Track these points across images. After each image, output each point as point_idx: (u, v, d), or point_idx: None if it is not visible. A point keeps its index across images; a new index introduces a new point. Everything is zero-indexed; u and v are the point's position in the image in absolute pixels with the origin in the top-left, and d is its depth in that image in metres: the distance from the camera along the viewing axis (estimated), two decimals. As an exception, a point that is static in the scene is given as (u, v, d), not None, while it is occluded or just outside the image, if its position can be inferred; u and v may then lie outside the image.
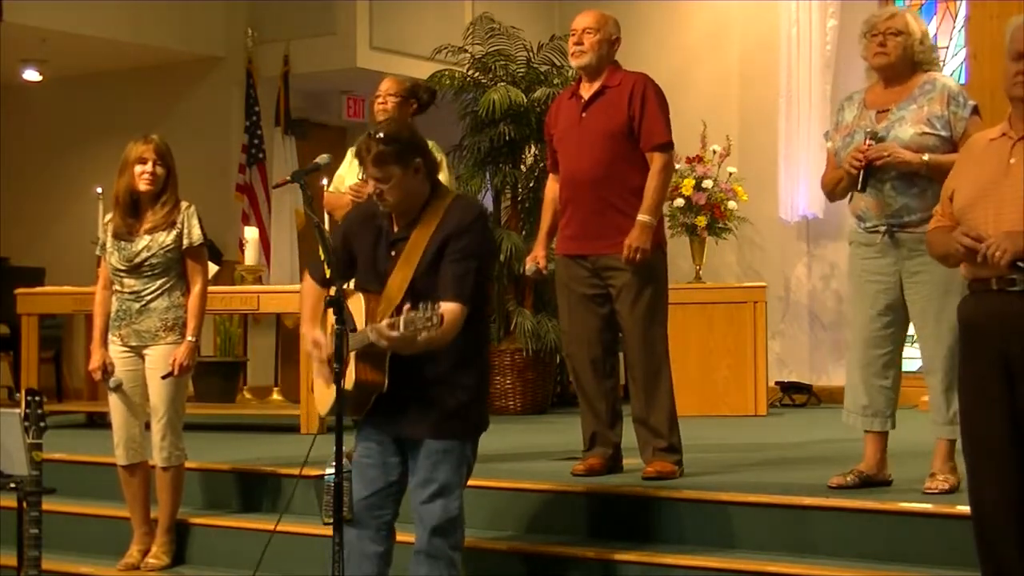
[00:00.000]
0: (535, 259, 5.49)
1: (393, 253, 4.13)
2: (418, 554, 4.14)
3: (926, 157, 4.62)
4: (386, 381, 4.00)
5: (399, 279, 4.06)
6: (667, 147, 5.28)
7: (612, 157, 5.24)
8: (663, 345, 5.31)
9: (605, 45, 5.35)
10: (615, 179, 5.24)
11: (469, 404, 4.19)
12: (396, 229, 4.18)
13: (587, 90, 5.36)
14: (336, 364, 3.86)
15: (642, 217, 5.19)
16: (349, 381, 4.02)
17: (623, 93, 5.29)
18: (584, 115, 5.32)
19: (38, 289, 8.54)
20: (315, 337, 4.16)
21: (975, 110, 4.67)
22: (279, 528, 4.84)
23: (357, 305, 4.07)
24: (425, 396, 4.09)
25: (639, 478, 5.18)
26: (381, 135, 4.08)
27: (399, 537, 4.31)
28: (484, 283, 4.18)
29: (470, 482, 5.06)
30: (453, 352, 4.07)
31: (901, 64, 4.78)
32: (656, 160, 5.25)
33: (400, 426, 4.13)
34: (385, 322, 3.86)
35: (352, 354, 4.00)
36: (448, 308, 3.92)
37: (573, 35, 5.37)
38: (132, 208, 5.23)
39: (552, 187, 5.55)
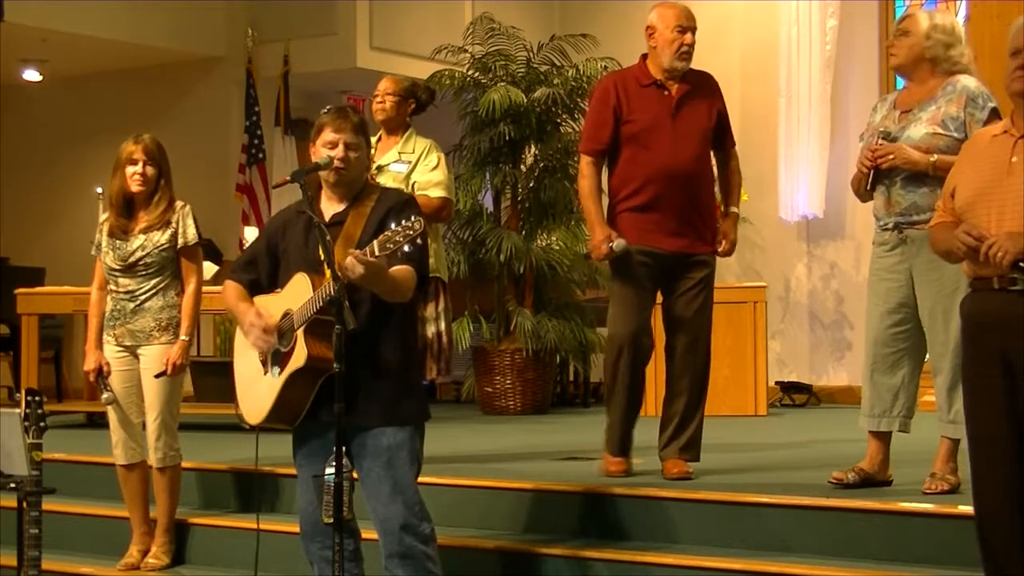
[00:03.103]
0: (609, 237, 5.19)
1: (328, 238, 4.10)
2: (391, 558, 4.08)
3: (934, 158, 4.61)
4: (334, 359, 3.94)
5: (340, 258, 3.99)
6: None
7: (704, 154, 5.31)
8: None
9: None
10: (705, 176, 5.32)
11: (415, 391, 4.20)
12: (328, 217, 4.18)
13: (671, 85, 5.27)
14: (337, 364, 3.85)
15: (735, 209, 5.44)
16: (300, 358, 3.98)
17: (708, 92, 5.34)
18: (678, 112, 5.25)
19: (38, 289, 8.55)
20: (255, 309, 4.14)
21: (994, 112, 4.62)
22: (280, 528, 4.84)
23: (302, 284, 4.04)
24: (374, 382, 4.06)
25: (640, 479, 5.19)
26: (353, 107, 4.30)
27: (373, 535, 4.29)
28: (426, 256, 4.20)
29: (469, 482, 5.09)
30: (396, 337, 4.09)
31: (912, 64, 4.80)
32: (736, 157, 5.50)
33: (349, 416, 4.01)
34: (355, 252, 3.83)
35: (300, 331, 3.97)
36: (403, 267, 3.97)
37: (682, 32, 5.23)
38: (126, 208, 5.22)
39: (596, 173, 5.36)
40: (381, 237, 3.80)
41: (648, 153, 5.23)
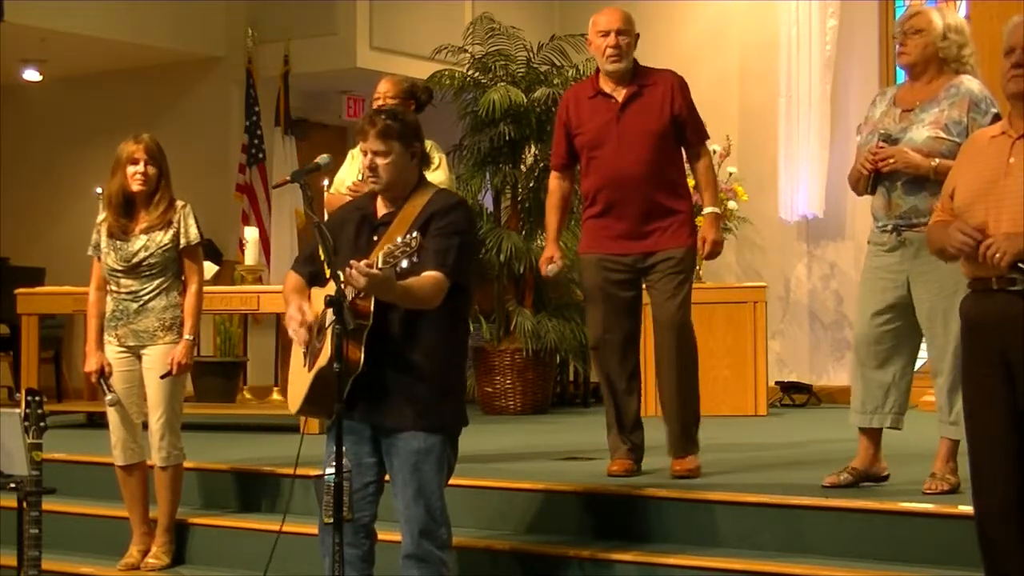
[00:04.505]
0: (551, 259, 5.43)
1: (376, 238, 4.14)
2: (408, 558, 4.12)
3: (935, 162, 4.60)
4: (362, 357, 3.97)
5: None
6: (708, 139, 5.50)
7: (656, 156, 5.26)
8: (695, 339, 5.36)
9: (635, 45, 5.36)
10: (660, 178, 5.27)
11: (451, 398, 4.20)
12: (379, 216, 4.20)
13: (617, 90, 5.31)
14: (337, 364, 3.85)
15: (713, 209, 5.39)
16: (325, 356, 3.99)
17: (662, 92, 5.31)
18: (622, 116, 5.27)
19: (38, 289, 8.54)
20: (299, 303, 4.16)
21: (996, 117, 4.60)
22: (280, 529, 4.84)
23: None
24: (408, 385, 4.07)
25: (641, 479, 5.18)
26: (390, 111, 4.25)
27: (384, 536, 4.31)
28: (467, 263, 4.18)
29: (471, 482, 5.08)
30: (436, 341, 4.09)
31: (923, 62, 4.79)
32: (707, 155, 5.44)
33: (380, 415, 4.09)
34: (363, 262, 3.85)
35: (330, 329, 3.97)
36: (429, 273, 3.98)
37: (604, 36, 5.29)
38: (126, 208, 5.23)
39: (560, 185, 5.51)
40: (385, 250, 3.81)
41: (596, 162, 5.32)
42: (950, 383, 4.64)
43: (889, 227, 4.76)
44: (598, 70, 5.42)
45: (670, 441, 5.29)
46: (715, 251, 5.39)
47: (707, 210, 5.40)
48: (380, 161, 4.13)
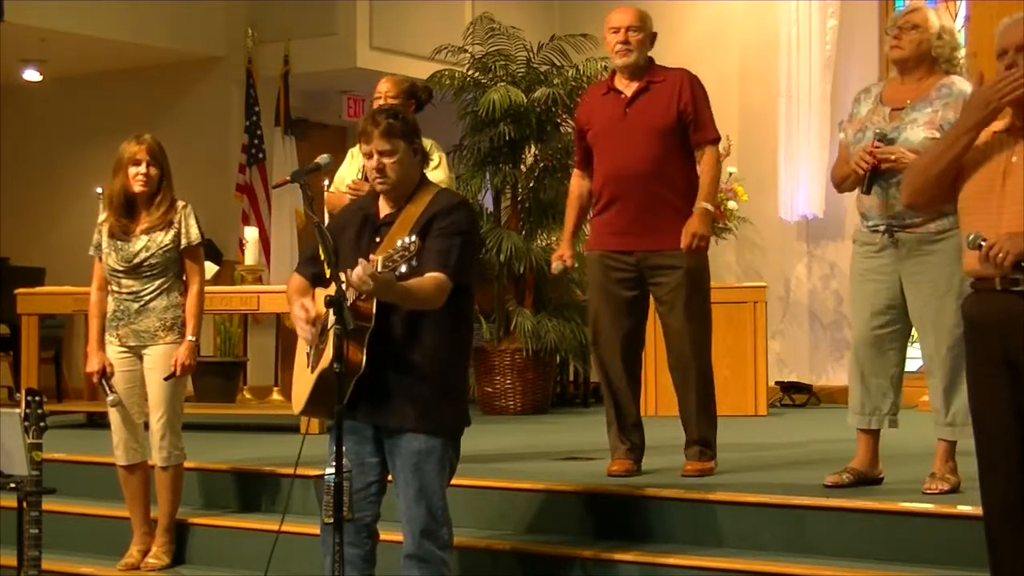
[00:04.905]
0: (561, 258, 5.43)
1: (378, 239, 4.15)
2: (409, 558, 4.12)
3: None
4: (364, 359, 3.98)
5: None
6: (718, 141, 5.36)
7: (662, 153, 5.23)
8: (710, 347, 5.35)
9: (648, 42, 5.36)
10: (665, 175, 5.24)
11: (452, 398, 4.20)
12: (381, 216, 4.20)
13: (628, 86, 5.32)
14: (337, 364, 3.85)
15: (703, 204, 5.22)
16: (327, 357, 3.99)
17: (670, 89, 5.30)
18: (628, 111, 5.28)
19: (38, 289, 8.55)
20: (303, 301, 4.16)
21: None
22: (276, 528, 4.84)
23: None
24: (409, 386, 4.08)
25: (642, 479, 5.19)
26: (391, 111, 4.24)
27: (386, 536, 4.31)
28: (469, 263, 4.17)
29: (471, 482, 5.08)
30: (438, 342, 4.10)
31: (916, 59, 4.78)
32: (710, 153, 5.30)
33: (383, 415, 4.10)
34: (364, 264, 3.85)
35: (332, 330, 3.95)
36: (432, 274, 3.99)
37: (615, 33, 5.30)
38: (127, 209, 5.23)
39: (579, 184, 5.51)
40: (384, 254, 3.81)
41: (602, 157, 5.32)
42: (945, 384, 4.64)
43: (882, 227, 4.75)
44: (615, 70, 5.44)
45: (689, 442, 5.31)
46: (694, 244, 5.14)
47: (698, 205, 5.28)
48: (387, 160, 4.13)
